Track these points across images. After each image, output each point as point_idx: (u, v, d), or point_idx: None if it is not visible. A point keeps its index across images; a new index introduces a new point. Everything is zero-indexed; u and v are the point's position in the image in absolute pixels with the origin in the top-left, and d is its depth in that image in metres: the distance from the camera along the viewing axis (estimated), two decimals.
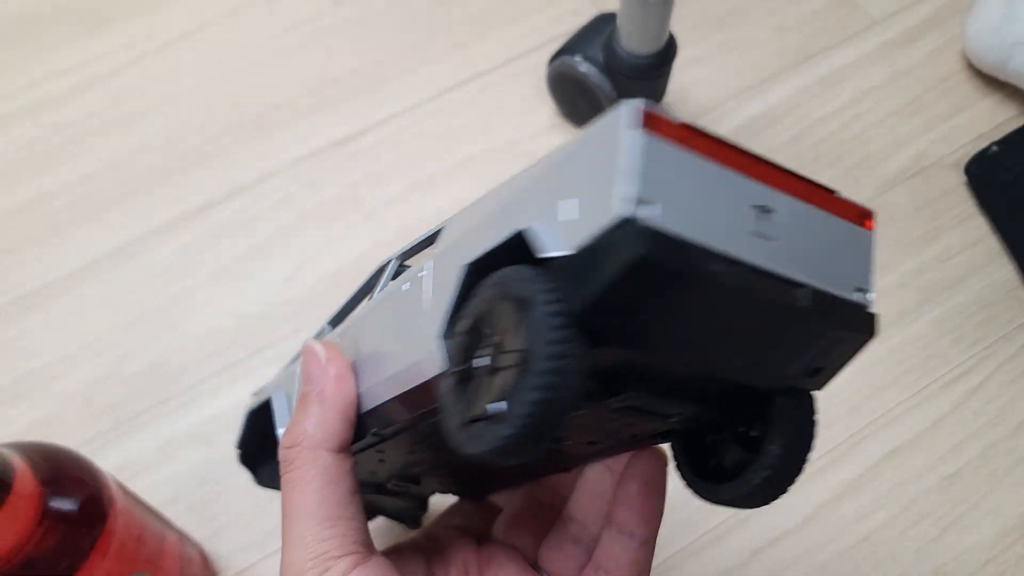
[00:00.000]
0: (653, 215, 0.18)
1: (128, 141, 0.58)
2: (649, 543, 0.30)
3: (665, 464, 0.30)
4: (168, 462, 0.48)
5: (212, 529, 0.46)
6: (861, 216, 0.23)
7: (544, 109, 0.59)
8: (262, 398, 0.36)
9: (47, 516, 0.31)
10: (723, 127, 0.58)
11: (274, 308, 0.52)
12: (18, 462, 0.31)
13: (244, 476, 0.47)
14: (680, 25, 0.53)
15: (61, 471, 0.33)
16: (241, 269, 0.54)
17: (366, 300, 0.30)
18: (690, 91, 0.60)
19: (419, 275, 0.25)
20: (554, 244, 0.19)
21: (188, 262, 0.54)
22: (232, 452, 0.48)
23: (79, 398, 0.49)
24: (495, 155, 0.58)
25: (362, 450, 0.29)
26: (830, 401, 0.49)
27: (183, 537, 0.42)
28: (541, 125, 0.59)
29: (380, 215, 0.55)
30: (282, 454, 0.28)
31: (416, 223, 0.55)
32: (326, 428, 0.27)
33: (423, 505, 0.40)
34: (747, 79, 0.61)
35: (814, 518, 0.46)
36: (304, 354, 0.29)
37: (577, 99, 0.56)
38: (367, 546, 0.27)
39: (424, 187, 0.57)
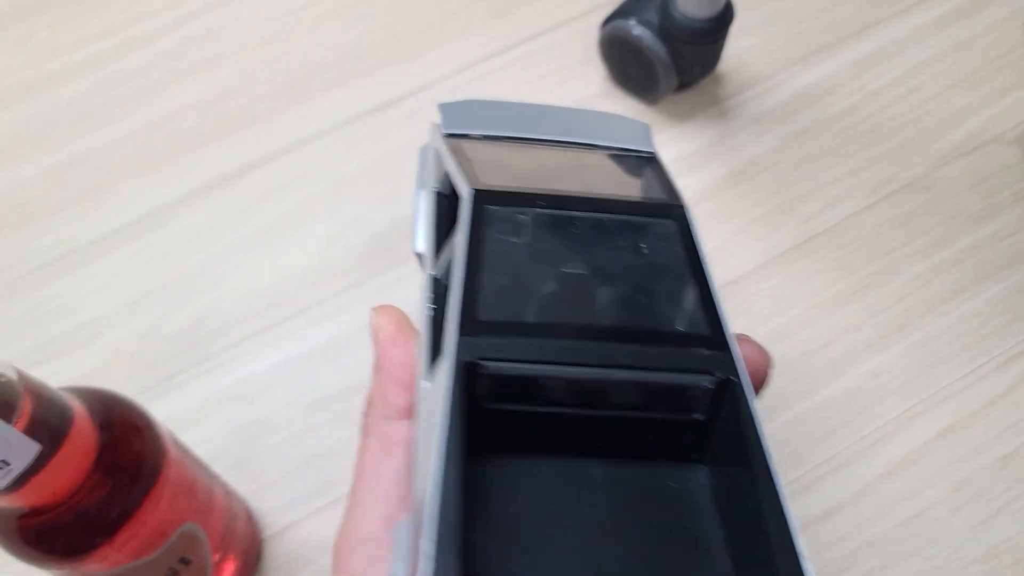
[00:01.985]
0: None
1: (170, 102, 0.58)
2: None
3: None
4: (210, 420, 0.47)
5: (256, 486, 0.46)
6: None
7: (593, 74, 0.58)
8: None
9: (103, 460, 0.31)
10: (776, 97, 0.57)
11: (313, 271, 0.52)
12: (77, 405, 0.30)
13: (286, 435, 0.47)
14: None
15: (117, 417, 0.33)
16: (282, 231, 0.53)
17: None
18: (743, 59, 0.59)
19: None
20: None
21: (229, 223, 0.53)
22: (269, 411, 0.48)
23: (122, 354, 0.49)
24: None
25: None
26: (881, 377, 0.48)
27: (229, 491, 0.42)
28: (590, 91, 0.58)
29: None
30: (360, 422, 0.27)
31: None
32: (384, 397, 0.26)
33: None
34: (801, 49, 0.59)
35: (863, 494, 0.46)
36: (370, 320, 0.28)
37: (629, 64, 0.55)
38: None
39: None
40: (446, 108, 0.32)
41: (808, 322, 0.50)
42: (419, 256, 0.32)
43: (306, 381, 0.48)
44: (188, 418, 0.47)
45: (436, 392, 0.21)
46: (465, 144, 0.29)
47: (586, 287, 0.23)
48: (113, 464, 0.31)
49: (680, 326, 0.22)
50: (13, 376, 0.27)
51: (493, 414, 0.21)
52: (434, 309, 0.25)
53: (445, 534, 0.18)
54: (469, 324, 0.21)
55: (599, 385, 0.21)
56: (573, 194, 0.26)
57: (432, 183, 0.30)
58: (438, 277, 0.25)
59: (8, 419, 0.27)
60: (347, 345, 0.49)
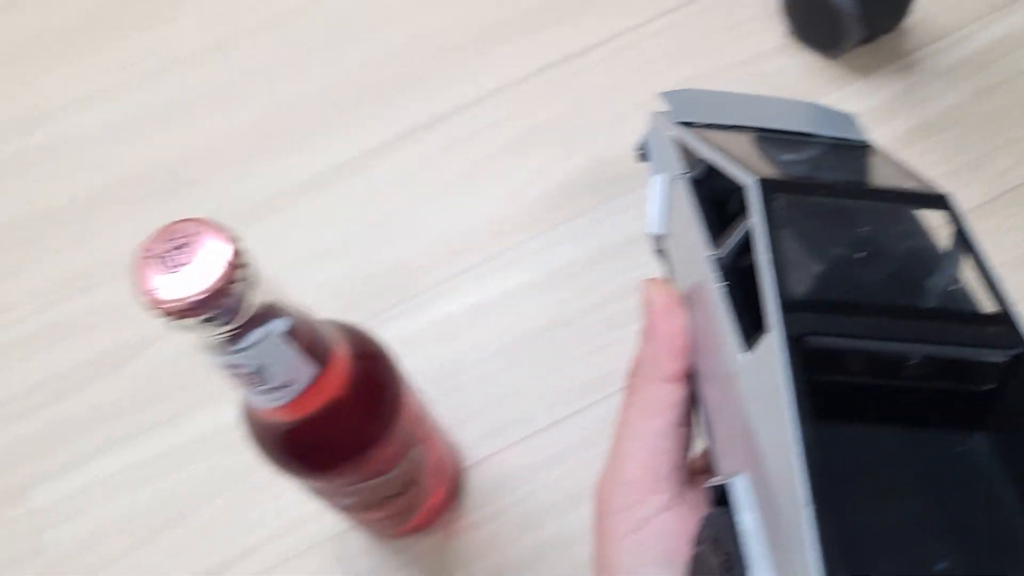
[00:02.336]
0: None
1: (369, 51, 0.61)
2: None
3: None
4: (412, 355, 0.50)
5: (455, 419, 0.49)
6: None
7: (773, 29, 0.58)
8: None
9: (358, 385, 0.34)
10: (965, 50, 0.56)
11: (508, 216, 0.54)
12: (336, 333, 0.34)
13: (482, 372, 0.50)
14: None
15: (366, 347, 0.36)
16: (474, 179, 0.56)
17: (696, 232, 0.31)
18: (929, 10, 0.57)
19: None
20: None
21: (428, 169, 0.57)
22: (467, 349, 0.51)
23: (328, 292, 0.53)
24: (720, 76, 0.58)
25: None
26: None
27: (437, 421, 0.45)
28: (768, 46, 0.58)
29: (605, 133, 0.56)
30: (625, 382, 0.30)
31: None
32: (654, 362, 0.29)
33: None
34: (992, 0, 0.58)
35: None
36: (640, 292, 0.31)
37: (813, 18, 0.55)
38: (679, 484, 0.28)
39: (648, 107, 0.57)
40: (670, 96, 0.35)
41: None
42: (653, 237, 0.35)
43: (499, 323, 0.51)
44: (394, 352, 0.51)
45: (762, 364, 0.23)
46: (701, 133, 0.32)
47: (874, 269, 0.25)
48: (366, 388, 0.35)
49: (969, 305, 0.25)
50: (297, 307, 0.31)
51: (811, 385, 0.23)
52: (727, 287, 0.27)
53: (815, 486, 0.20)
54: (787, 301, 0.23)
55: (906, 359, 0.23)
56: (847, 182, 0.28)
57: (677, 169, 0.32)
58: (721, 258, 0.28)
59: (297, 344, 0.30)
60: (538, 289, 0.52)
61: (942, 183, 0.52)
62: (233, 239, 0.27)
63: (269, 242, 0.55)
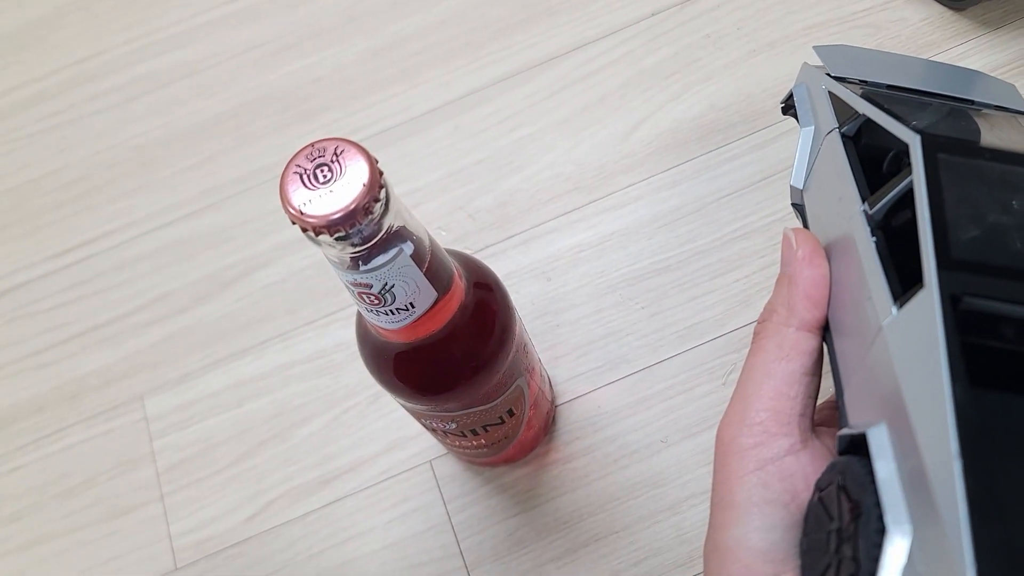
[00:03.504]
0: None
1: None
2: None
3: None
4: (513, 291, 0.51)
5: (549, 357, 0.50)
6: None
7: None
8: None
9: (474, 313, 0.35)
10: None
11: (613, 160, 0.54)
12: (453, 262, 0.35)
13: (580, 312, 0.51)
14: None
15: (480, 277, 0.37)
16: (582, 120, 0.56)
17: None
18: None
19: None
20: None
21: (532, 110, 0.57)
22: (565, 289, 0.52)
23: (433, 226, 0.54)
24: (840, 25, 0.56)
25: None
26: None
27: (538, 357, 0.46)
28: None
29: (719, 77, 0.56)
30: (755, 327, 0.30)
31: (756, 91, 0.55)
32: (791, 308, 0.29)
33: None
34: None
35: None
36: (782, 240, 0.31)
37: None
38: (805, 430, 0.28)
39: (765, 53, 0.56)
40: (823, 51, 0.35)
41: None
42: (795, 190, 0.34)
43: (598, 265, 0.52)
44: None
45: (914, 320, 0.23)
46: (855, 89, 0.31)
47: None
48: (480, 316, 0.36)
49: None
50: (423, 232, 0.32)
51: (967, 346, 0.22)
52: (876, 242, 0.27)
53: (968, 448, 0.20)
54: (947, 260, 0.23)
55: None
56: (1012, 149, 0.27)
57: (830, 123, 0.32)
58: (873, 214, 0.27)
59: (421, 268, 0.31)
60: (636, 235, 0.52)
61: None
62: (373, 160, 0.28)
63: (385, 171, 0.56)
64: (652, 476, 0.46)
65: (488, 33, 0.60)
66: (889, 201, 0.27)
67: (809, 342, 0.29)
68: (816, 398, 0.29)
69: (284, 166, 0.28)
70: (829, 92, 0.33)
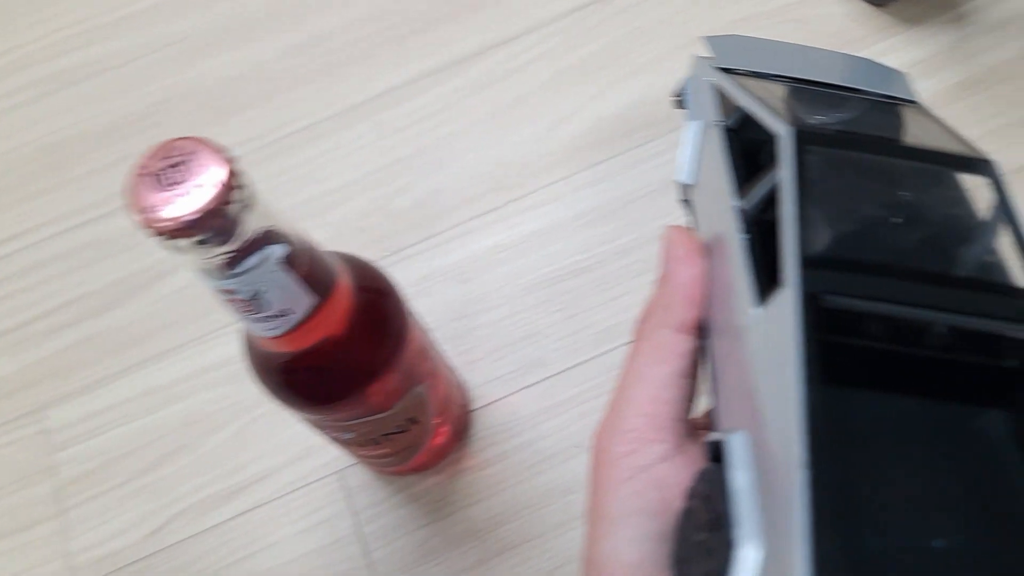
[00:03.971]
0: None
1: None
2: None
3: None
4: (429, 294, 0.50)
5: (465, 361, 0.48)
6: None
7: None
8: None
9: (360, 318, 0.34)
10: (1016, 3, 0.53)
11: (534, 158, 0.53)
12: (340, 265, 0.33)
13: (498, 315, 0.49)
14: None
15: (370, 280, 0.35)
16: (504, 118, 0.55)
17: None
18: None
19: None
20: None
21: (455, 108, 0.55)
22: (483, 290, 0.50)
23: (352, 227, 0.53)
24: (763, 20, 0.55)
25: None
26: None
27: (446, 362, 0.45)
28: None
29: (644, 73, 0.55)
30: (634, 328, 0.29)
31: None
32: (667, 308, 0.28)
33: None
34: None
35: None
36: (661, 238, 0.30)
37: None
38: (680, 435, 0.27)
39: (692, 47, 0.55)
40: (713, 41, 0.34)
41: None
42: (681, 185, 0.33)
43: (517, 266, 0.50)
44: (408, 291, 0.50)
45: (774, 319, 0.22)
46: (742, 81, 0.30)
47: (908, 232, 0.24)
48: (368, 321, 0.34)
49: (1005, 277, 0.23)
50: (299, 234, 0.30)
51: (824, 344, 0.22)
52: (749, 239, 0.26)
53: (814, 449, 0.19)
54: (807, 257, 0.22)
55: (928, 327, 0.22)
56: (886, 139, 0.27)
57: (713, 117, 0.31)
58: (746, 209, 0.26)
59: (295, 272, 0.29)
60: (557, 235, 0.51)
61: (990, 140, 0.50)
62: (229, 159, 0.26)
63: (299, 173, 0.55)
64: (566, 483, 0.45)
65: (411, 29, 0.58)
66: (760, 195, 0.26)
67: (685, 343, 0.27)
68: (692, 401, 0.28)
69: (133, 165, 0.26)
70: (714, 84, 0.32)
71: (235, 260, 0.28)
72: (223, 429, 0.49)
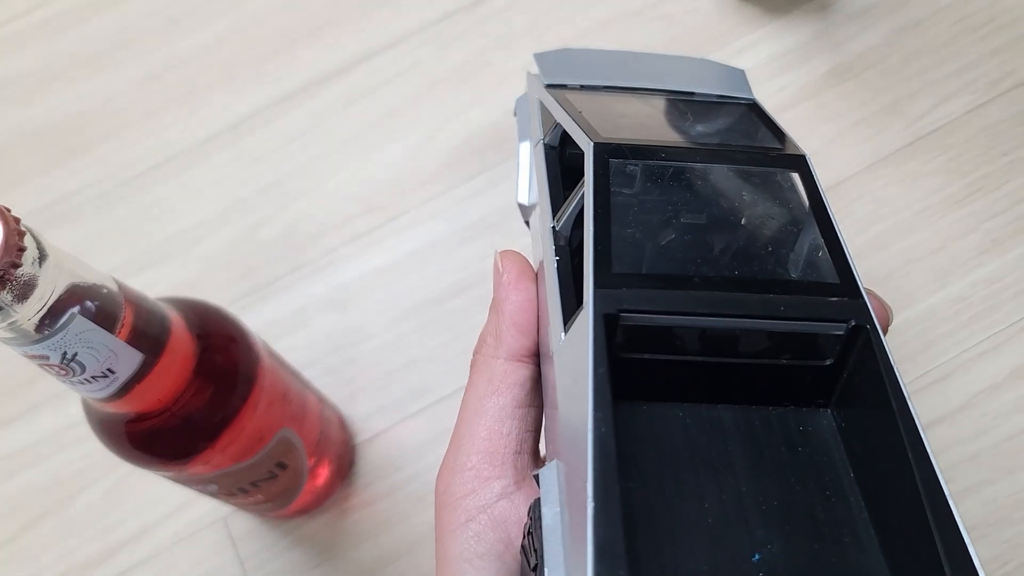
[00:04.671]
0: None
1: (254, 4, 0.57)
2: None
3: None
4: (304, 326, 0.48)
5: (347, 393, 0.47)
6: None
7: None
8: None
9: (201, 368, 0.32)
10: None
11: (406, 176, 0.51)
12: (174, 315, 0.31)
13: (378, 342, 0.48)
14: None
15: (212, 327, 0.33)
16: (372, 136, 0.53)
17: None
18: None
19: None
20: None
21: (319, 129, 0.53)
22: (362, 318, 0.48)
23: (216, 263, 0.50)
24: (627, 21, 0.54)
25: None
26: (993, 286, 0.46)
27: (322, 398, 0.43)
28: None
29: (513, 80, 0.53)
30: (471, 359, 0.28)
31: None
32: (499, 337, 0.27)
33: None
34: None
35: (969, 407, 0.44)
36: (493, 264, 0.28)
37: None
38: (521, 468, 0.26)
39: None
40: (542, 58, 0.33)
41: (913, 228, 0.47)
42: (522, 207, 0.32)
43: (396, 289, 0.48)
44: (282, 326, 0.48)
45: (575, 343, 0.21)
46: (569, 95, 0.29)
47: (713, 238, 0.23)
48: (211, 372, 0.32)
49: (810, 275, 0.23)
50: (114, 287, 0.28)
51: (629, 363, 0.21)
52: (559, 261, 0.25)
53: (604, 479, 0.18)
54: (605, 277, 0.21)
55: (734, 334, 0.22)
56: (692, 145, 0.26)
57: (538, 135, 0.30)
58: (558, 229, 0.26)
59: (111, 329, 0.27)
60: (436, 253, 0.49)
61: (860, 128, 0.50)
62: (12, 218, 0.24)
63: (158, 210, 0.52)
64: None
65: (269, 49, 0.56)
66: (569, 215, 0.25)
67: (519, 372, 0.26)
68: (536, 430, 0.27)
69: None
70: (539, 101, 0.30)
71: (40, 324, 0.26)
72: (92, 487, 0.46)
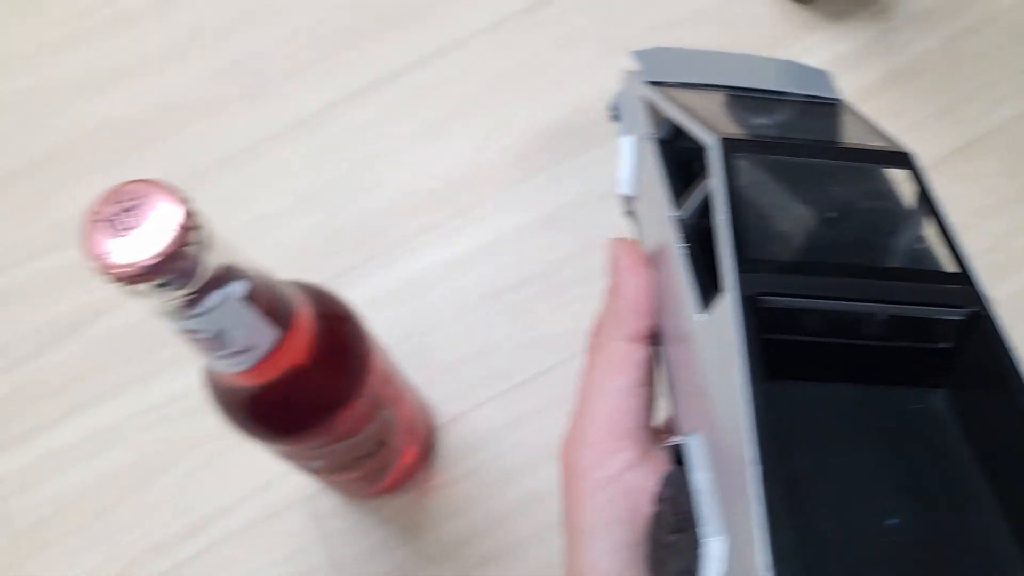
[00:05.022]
0: None
1: (326, 2, 0.59)
2: None
3: None
4: (379, 313, 0.49)
5: (425, 377, 0.48)
6: None
7: None
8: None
9: (323, 347, 0.33)
10: None
11: (475, 170, 0.53)
12: (299, 296, 0.33)
13: (451, 330, 0.49)
14: None
15: (330, 308, 0.35)
16: (438, 132, 0.55)
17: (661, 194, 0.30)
18: None
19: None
20: None
21: (388, 124, 0.55)
22: (435, 306, 0.50)
23: (291, 251, 0.52)
24: (688, 23, 0.56)
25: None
26: None
27: (407, 381, 0.44)
28: None
29: (573, 81, 0.55)
30: (588, 341, 0.30)
31: (611, 92, 0.54)
32: (618, 320, 0.29)
33: None
34: None
35: None
36: (606, 251, 0.30)
37: None
38: (643, 442, 0.28)
39: (619, 53, 0.55)
40: (641, 55, 0.35)
41: (969, 227, 0.49)
42: (622, 198, 0.34)
43: (466, 280, 0.50)
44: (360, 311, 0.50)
45: (717, 324, 0.23)
46: (672, 92, 0.31)
47: (836, 228, 0.25)
48: (333, 350, 0.34)
49: (927, 264, 0.25)
50: (258, 269, 0.30)
51: (763, 343, 0.23)
52: (688, 247, 0.27)
53: (764, 445, 0.20)
54: (744, 262, 0.23)
55: (861, 318, 0.24)
56: (811, 141, 0.28)
57: (646, 129, 0.32)
58: (683, 219, 0.27)
59: (257, 308, 0.29)
60: (504, 246, 0.51)
61: (915, 131, 0.52)
62: (184, 200, 0.26)
63: (231, 200, 0.54)
64: (538, 491, 0.45)
65: (338, 45, 0.57)
66: (695, 205, 0.27)
67: (638, 353, 0.28)
68: (652, 408, 0.29)
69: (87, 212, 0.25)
70: (644, 97, 0.32)
71: (196, 300, 0.27)
72: (176, 467, 0.48)
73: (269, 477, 0.47)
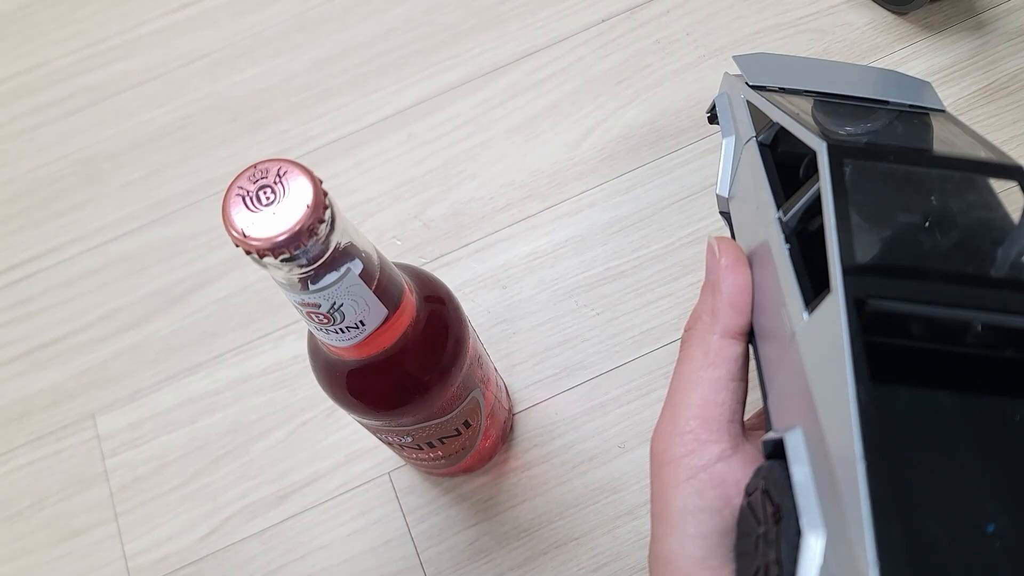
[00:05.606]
0: None
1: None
2: None
3: None
4: (467, 300, 0.52)
5: (507, 364, 0.50)
6: None
7: None
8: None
9: (426, 326, 0.35)
10: None
11: (565, 167, 0.54)
12: (404, 277, 0.34)
13: (537, 319, 0.51)
14: None
15: (431, 290, 0.37)
16: (534, 127, 0.56)
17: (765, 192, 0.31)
18: None
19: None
20: None
21: (485, 117, 0.57)
22: (521, 296, 0.52)
23: (388, 235, 0.54)
24: (785, 30, 0.57)
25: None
26: None
27: (494, 366, 0.46)
28: (836, 0, 0.57)
29: (669, 83, 0.56)
30: (682, 335, 0.31)
31: (706, 96, 0.55)
32: (715, 315, 0.30)
33: None
34: None
35: None
36: (706, 248, 0.31)
37: None
38: (735, 435, 0.28)
39: (714, 58, 0.57)
40: (743, 60, 0.35)
41: None
42: (720, 198, 0.35)
43: (553, 272, 0.52)
44: None
45: (823, 324, 0.24)
46: (774, 97, 0.32)
47: (943, 236, 0.26)
48: (432, 330, 0.35)
49: None
50: (372, 249, 0.31)
51: (871, 346, 0.23)
52: (791, 249, 0.27)
53: (871, 442, 0.21)
54: (852, 265, 0.24)
55: (967, 326, 0.24)
56: (919, 149, 0.29)
57: (749, 132, 0.32)
58: (786, 220, 0.28)
59: (370, 285, 0.31)
60: (591, 241, 0.52)
61: (1009, 146, 0.52)
62: (318, 180, 0.27)
63: (330, 186, 0.56)
64: (610, 481, 0.47)
65: (439, 40, 0.59)
66: (800, 208, 0.27)
67: (734, 348, 0.29)
68: (744, 402, 0.29)
69: (228, 185, 0.27)
70: (747, 101, 0.33)
71: (319, 275, 0.29)
72: (270, 434, 0.50)
73: (355, 450, 0.49)
